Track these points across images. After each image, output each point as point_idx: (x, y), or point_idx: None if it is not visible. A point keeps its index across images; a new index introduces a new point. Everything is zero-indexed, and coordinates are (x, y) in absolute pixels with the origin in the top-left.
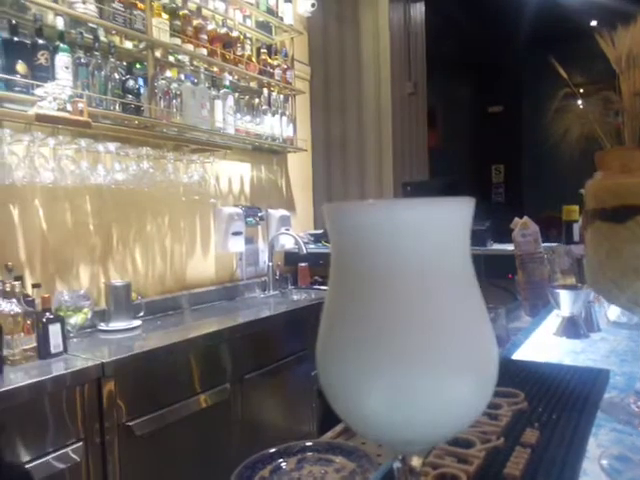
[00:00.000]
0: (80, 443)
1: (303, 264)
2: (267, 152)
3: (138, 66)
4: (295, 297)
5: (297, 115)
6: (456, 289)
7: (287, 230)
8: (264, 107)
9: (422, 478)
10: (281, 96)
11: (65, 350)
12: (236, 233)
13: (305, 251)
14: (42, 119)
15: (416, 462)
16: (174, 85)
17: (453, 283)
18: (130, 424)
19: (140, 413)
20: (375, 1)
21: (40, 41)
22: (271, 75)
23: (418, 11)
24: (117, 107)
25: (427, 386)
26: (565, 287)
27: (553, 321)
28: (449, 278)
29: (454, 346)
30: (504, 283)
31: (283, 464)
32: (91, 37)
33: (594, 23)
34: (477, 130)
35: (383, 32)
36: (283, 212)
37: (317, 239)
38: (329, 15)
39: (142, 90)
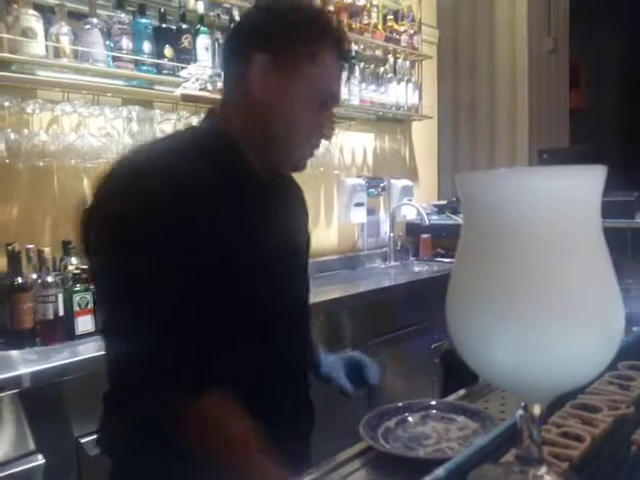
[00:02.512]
0: None
1: (425, 235)
2: (391, 121)
3: None
4: (416, 269)
5: (423, 81)
6: (583, 250)
7: (409, 201)
8: (389, 75)
9: (544, 433)
10: (407, 62)
11: None
12: (358, 204)
13: (428, 222)
14: (187, 99)
15: (537, 410)
16: None
17: (581, 244)
18: None
19: None
20: None
21: (184, 26)
22: (397, 42)
23: None
24: None
25: (551, 339)
26: None
27: None
28: (576, 239)
29: (579, 302)
30: None
31: (408, 418)
32: (227, 17)
33: None
34: (629, 88)
35: None
36: (406, 182)
37: (441, 210)
38: None
39: None
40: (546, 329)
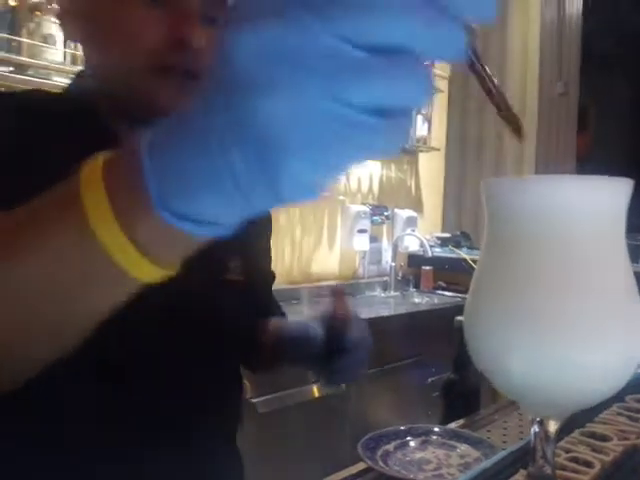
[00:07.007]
0: None
1: (427, 267)
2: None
3: None
4: (416, 300)
5: (433, 114)
6: (610, 263)
7: (413, 231)
8: None
9: (556, 458)
10: None
11: None
12: (361, 231)
13: (430, 254)
14: None
15: (553, 428)
16: None
17: (608, 256)
18: (254, 401)
19: (262, 392)
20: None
21: None
22: None
23: (575, 6)
24: None
25: (569, 353)
26: None
27: None
28: (603, 252)
29: (602, 315)
30: None
31: (408, 442)
32: None
33: None
34: (637, 134)
35: (533, 31)
36: (410, 213)
37: (444, 243)
38: None
39: None
40: (567, 342)
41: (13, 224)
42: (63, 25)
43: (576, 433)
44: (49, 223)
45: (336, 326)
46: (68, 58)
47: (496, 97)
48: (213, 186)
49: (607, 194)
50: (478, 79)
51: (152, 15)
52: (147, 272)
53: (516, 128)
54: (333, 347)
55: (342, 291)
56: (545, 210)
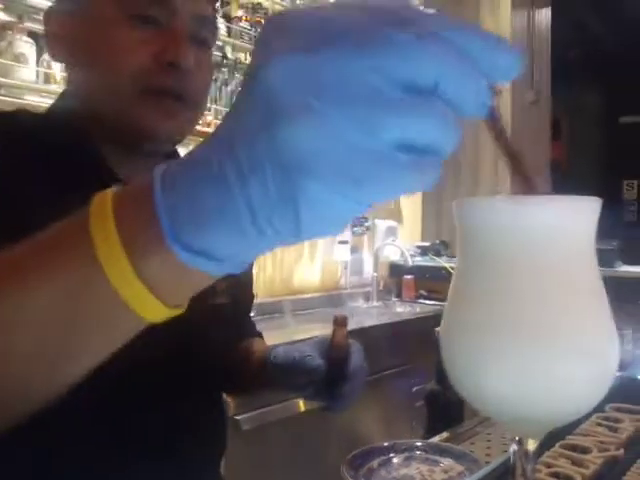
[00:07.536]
0: None
1: (408, 276)
2: None
3: None
4: (399, 309)
5: None
6: (582, 279)
7: (393, 241)
8: None
9: (537, 474)
10: None
11: None
12: (342, 242)
13: (411, 263)
14: None
15: (531, 446)
16: None
17: (577, 277)
18: (238, 418)
19: (246, 409)
20: (497, 8)
21: None
22: None
23: (544, 16)
24: None
25: (546, 370)
26: None
27: None
28: (573, 272)
29: (578, 332)
30: (635, 309)
31: (392, 459)
32: (220, 54)
33: None
34: (607, 142)
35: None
36: (390, 223)
37: (424, 252)
38: None
39: None
40: (545, 360)
41: (19, 256)
42: (49, 47)
43: (557, 446)
44: (57, 256)
45: (337, 356)
46: (41, 77)
47: (510, 156)
48: (228, 217)
49: (576, 214)
50: (495, 137)
51: (140, 37)
52: (153, 310)
53: (531, 186)
54: (334, 376)
55: (344, 320)
56: (516, 230)
